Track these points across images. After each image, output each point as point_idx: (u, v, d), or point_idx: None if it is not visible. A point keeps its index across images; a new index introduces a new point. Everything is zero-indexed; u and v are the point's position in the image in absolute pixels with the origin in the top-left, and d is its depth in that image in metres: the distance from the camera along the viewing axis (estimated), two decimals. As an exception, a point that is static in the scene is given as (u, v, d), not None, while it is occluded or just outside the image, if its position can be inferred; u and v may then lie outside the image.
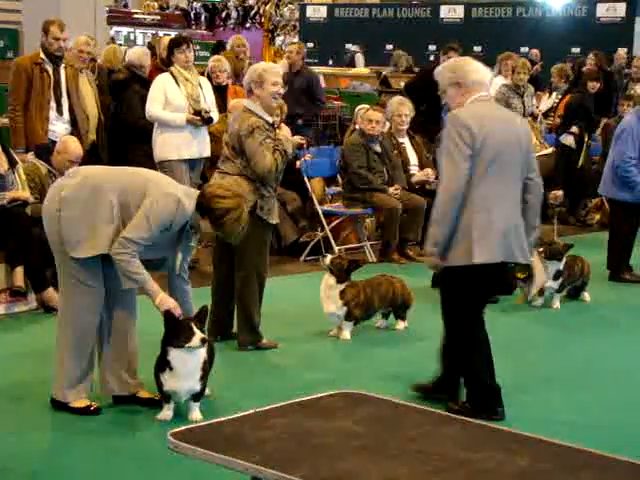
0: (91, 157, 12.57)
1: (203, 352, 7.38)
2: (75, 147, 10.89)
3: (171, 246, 7.52)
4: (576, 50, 22.20)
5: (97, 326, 7.57)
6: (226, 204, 7.58)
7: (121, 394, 7.74)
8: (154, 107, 12.30)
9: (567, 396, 8.56)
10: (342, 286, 9.85)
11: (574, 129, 16.19)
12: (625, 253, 12.70)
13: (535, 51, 22.38)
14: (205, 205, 7.51)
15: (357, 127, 13.62)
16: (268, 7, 36.51)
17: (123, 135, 13.78)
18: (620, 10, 26.07)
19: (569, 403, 8.41)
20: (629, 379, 9.36)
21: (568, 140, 16.07)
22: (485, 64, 16.66)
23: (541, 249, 11.16)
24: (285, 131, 10.01)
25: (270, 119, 9.35)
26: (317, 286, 10.05)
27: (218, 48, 17.14)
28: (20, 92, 12.40)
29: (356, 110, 13.94)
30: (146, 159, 12.54)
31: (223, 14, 36.50)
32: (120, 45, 21.77)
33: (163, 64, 14.04)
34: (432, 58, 17.87)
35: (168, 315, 7.28)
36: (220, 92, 12.94)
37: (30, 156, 11.21)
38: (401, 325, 10.34)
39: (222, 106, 12.91)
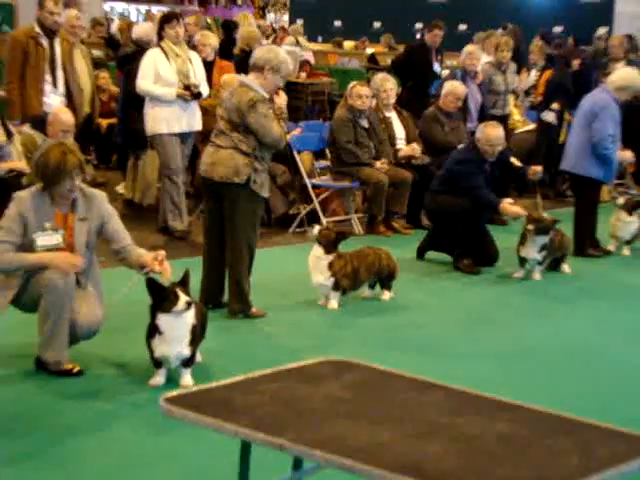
0: (86, 128, 12.65)
1: (191, 317, 7.41)
2: (66, 118, 10.94)
3: None
4: (559, 29, 22.14)
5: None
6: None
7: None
8: (145, 82, 12.31)
9: (547, 363, 8.59)
10: (330, 257, 9.85)
11: (555, 106, 16.19)
12: (591, 229, 12.71)
13: (556, 31, 22.41)
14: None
15: (350, 104, 13.60)
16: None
17: (129, 103, 13.72)
18: (603, -9, 26.08)
19: (549, 369, 8.44)
20: (606, 347, 9.41)
21: (549, 117, 16.07)
22: (470, 42, 16.80)
23: (530, 226, 11.20)
24: (282, 97, 10.01)
25: (267, 95, 9.36)
26: (305, 257, 10.06)
27: (229, 27, 17.02)
28: (16, 65, 12.38)
29: (348, 88, 13.93)
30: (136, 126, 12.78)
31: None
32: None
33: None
34: (418, 36, 17.85)
35: (151, 282, 7.33)
36: (206, 67, 12.83)
37: (26, 128, 11.21)
38: (387, 295, 10.33)
39: (208, 81, 12.85)
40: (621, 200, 12.89)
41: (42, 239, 7.67)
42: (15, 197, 7.80)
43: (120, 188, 14.27)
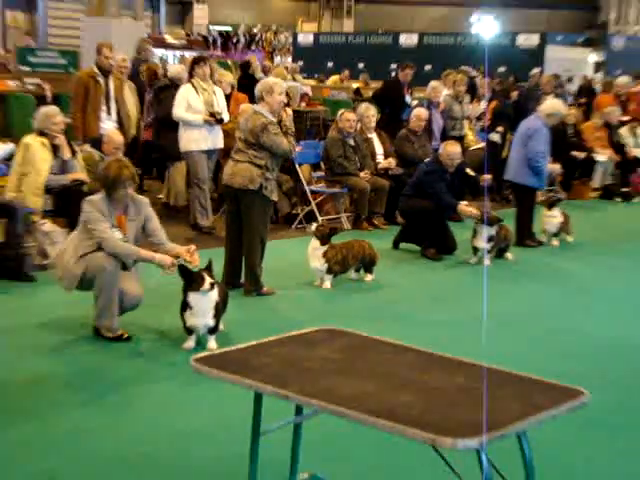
0: (132, 145, 12.71)
1: (215, 295, 7.51)
2: (118, 138, 10.95)
3: None
4: (502, 69, 22.21)
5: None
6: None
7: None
8: (179, 110, 12.31)
9: (494, 328, 8.58)
10: (324, 248, 9.85)
11: (499, 129, 16.30)
12: (529, 225, 12.78)
13: (501, 71, 22.43)
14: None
15: (339, 126, 13.62)
16: (268, 34, 36.54)
17: (160, 124, 13.77)
18: (535, 39, 26.22)
19: (495, 334, 8.44)
20: (539, 316, 9.42)
21: (495, 137, 16.15)
22: (434, 79, 16.82)
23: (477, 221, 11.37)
24: (288, 113, 10.13)
25: (275, 119, 9.38)
26: (305, 248, 10.07)
27: (246, 66, 17.06)
28: (79, 98, 12.54)
29: (338, 114, 13.97)
30: (174, 142, 12.66)
31: (234, 39, 36.46)
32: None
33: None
34: (393, 74, 17.94)
35: (182, 268, 7.47)
36: (225, 98, 12.91)
37: (86, 147, 11.22)
38: (369, 277, 10.34)
39: (227, 110, 12.91)
40: (542, 198, 13.01)
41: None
42: (89, 201, 7.86)
43: (161, 194, 14.26)
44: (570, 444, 5.80)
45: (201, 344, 7.54)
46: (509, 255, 11.93)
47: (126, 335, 7.80)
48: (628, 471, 5.81)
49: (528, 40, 26.44)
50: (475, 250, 11.52)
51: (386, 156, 14.20)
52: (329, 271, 9.95)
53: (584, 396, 3.61)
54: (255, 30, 39.51)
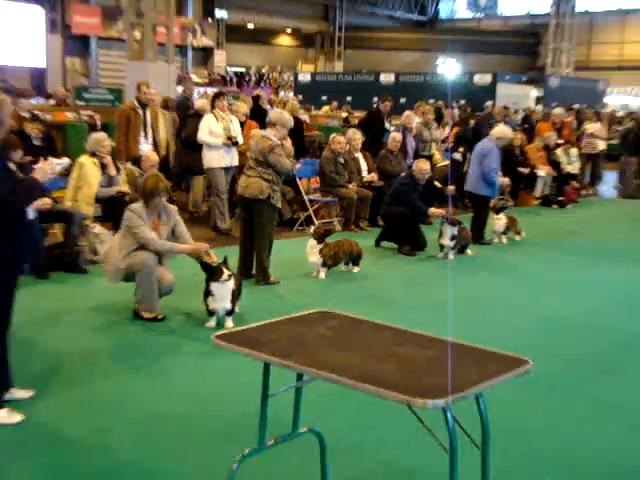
0: (164, 164, 12.75)
1: (231, 284, 7.55)
2: (153, 157, 11.05)
3: None
4: (462, 102, 22.24)
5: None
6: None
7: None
8: (203, 135, 12.38)
9: (458, 309, 8.55)
10: (320, 245, 9.85)
11: (461, 149, 16.38)
12: (482, 227, 12.82)
13: (462, 103, 22.45)
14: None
15: (332, 147, 13.63)
16: (274, 74, 36.65)
17: (184, 145, 13.82)
18: (488, 78, 26.32)
19: (458, 314, 8.40)
20: (493, 298, 9.43)
21: (457, 156, 16.21)
22: (408, 109, 16.78)
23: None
24: (289, 142, 10.23)
25: (279, 142, 9.42)
26: (304, 246, 10.04)
27: (257, 99, 17.04)
28: (122, 126, 12.59)
29: (331, 137, 13.97)
30: (198, 160, 12.75)
31: (247, 78, 36.53)
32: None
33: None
34: (374, 105, 17.94)
35: (203, 263, 7.64)
36: (240, 125, 12.89)
37: (128, 164, 11.23)
38: (356, 269, 10.31)
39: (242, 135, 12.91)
40: (497, 206, 13.06)
41: None
42: (131, 208, 7.93)
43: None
44: (517, 403, 5.79)
45: (220, 324, 7.56)
46: (469, 251, 11.94)
47: (161, 316, 7.80)
48: (561, 426, 5.81)
49: (483, 79, 26.49)
50: (441, 247, 11.52)
51: (369, 171, 14.20)
52: (324, 264, 9.94)
53: (529, 365, 3.60)
54: (263, 70, 39.61)
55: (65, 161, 6.29)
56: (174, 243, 7.87)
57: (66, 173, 9.95)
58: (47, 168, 5.24)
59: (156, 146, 12.74)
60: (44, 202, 7.56)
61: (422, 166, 12.06)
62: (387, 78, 27.33)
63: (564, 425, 5.82)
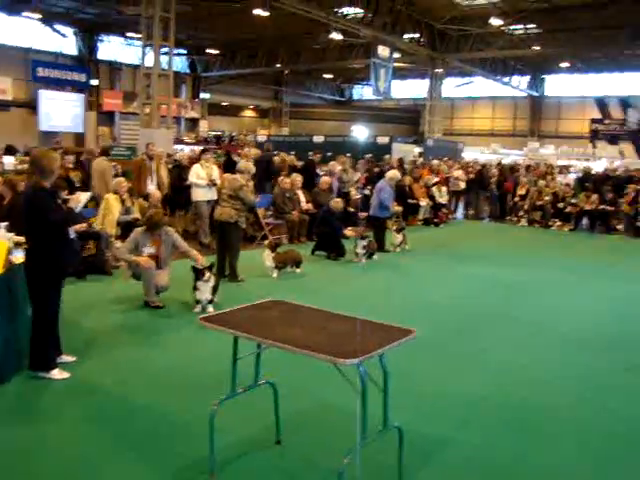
0: (165, 199, 12.55)
1: (212, 281, 7.49)
2: (157, 194, 11.16)
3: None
4: (369, 155, 22.27)
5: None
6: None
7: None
8: (192, 177, 12.25)
9: (367, 298, 8.56)
10: (273, 254, 9.80)
11: (369, 187, 16.35)
12: (382, 240, 12.81)
13: (368, 156, 22.50)
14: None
15: (281, 186, 13.58)
16: (241, 136, 36.35)
17: (176, 186, 13.55)
18: (386, 139, 26.45)
19: (368, 301, 8.43)
20: (392, 290, 9.43)
21: (366, 192, 16.20)
22: (332, 160, 16.66)
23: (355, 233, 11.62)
24: (251, 184, 10.21)
25: (245, 183, 9.37)
26: (262, 255, 10.00)
27: (229, 155, 16.89)
28: (136, 172, 12.43)
29: (280, 179, 13.90)
30: (188, 197, 12.58)
31: (222, 139, 36.28)
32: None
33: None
34: (310, 157, 17.93)
35: (193, 267, 7.55)
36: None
37: (140, 199, 11.07)
38: (298, 270, 10.20)
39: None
40: (393, 226, 13.12)
41: (146, 250, 7.78)
42: (135, 230, 7.91)
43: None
44: (406, 360, 5.81)
45: (204, 309, 7.44)
46: (375, 257, 11.87)
47: (162, 305, 7.68)
48: (435, 371, 5.83)
49: (383, 140, 26.58)
50: (356, 254, 11.49)
51: (307, 202, 14.13)
52: (276, 267, 9.84)
53: (414, 333, 3.60)
54: (234, 134, 39.33)
55: (89, 194, 6.39)
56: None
57: (90, 204, 9.88)
58: (75, 200, 5.56)
59: (159, 187, 12.57)
60: (81, 226, 7.48)
61: (334, 205, 12.28)
62: (318, 139, 27.30)
63: (437, 371, 5.90)
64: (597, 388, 5.64)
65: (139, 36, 23.01)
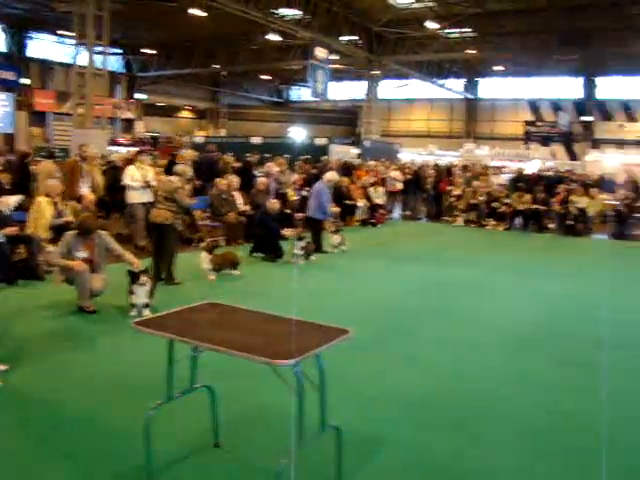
0: (100, 202, 12.33)
1: (148, 285, 7.38)
2: (90, 197, 11.01)
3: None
4: (307, 156, 22.33)
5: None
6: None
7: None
8: (127, 179, 12.03)
9: (305, 298, 8.57)
10: (210, 255, 9.76)
11: (307, 188, 16.40)
12: (320, 241, 12.88)
13: (304, 157, 22.52)
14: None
15: (219, 188, 13.53)
16: (178, 137, 35.85)
17: (113, 189, 13.27)
18: (324, 140, 26.66)
19: (306, 301, 8.42)
20: (331, 289, 9.50)
21: (304, 193, 16.29)
22: (269, 161, 16.58)
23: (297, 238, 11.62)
24: (188, 187, 10.19)
25: (181, 185, 9.34)
26: (199, 257, 9.93)
27: (174, 156, 16.75)
28: (69, 174, 12.05)
29: (216, 181, 13.82)
30: (123, 199, 12.31)
31: (159, 140, 35.80)
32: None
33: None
34: (247, 158, 17.92)
35: (129, 271, 7.40)
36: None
37: (73, 202, 10.88)
38: (236, 272, 10.14)
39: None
40: (330, 227, 13.25)
41: (79, 254, 7.61)
42: (65, 235, 7.73)
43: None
44: (348, 361, 5.85)
45: (140, 313, 7.32)
46: (313, 258, 11.92)
47: (96, 309, 7.54)
48: (371, 371, 5.89)
49: (320, 141, 26.76)
50: (294, 255, 11.47)
51: (244, 204, 14.09)
52: (213, 269, 9.80)
53: (350, 333, 3.63)
54: (171, 135, 38.88)
55: (19, 197, 6.29)
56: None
57: (20, 207, 9.65)
58: (4, 203, 5.43)
59: (94, 189, 12.30)
60: (12, 230, 7.32)
61: (271, 206, 12.26)
62: (256, 140, 27.26)
63: (376, 371, 5.95)
64: (533, 384, 5.79)
65: (72, 34, 22.53)
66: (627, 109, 39.58)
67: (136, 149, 19.59)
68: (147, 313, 7.24)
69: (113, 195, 13.13)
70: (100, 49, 21.13)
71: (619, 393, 5.51)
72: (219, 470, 4.04)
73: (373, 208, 18.58)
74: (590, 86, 40.12)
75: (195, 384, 4.11)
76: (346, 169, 20.25)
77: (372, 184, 19.24)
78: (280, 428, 4.20)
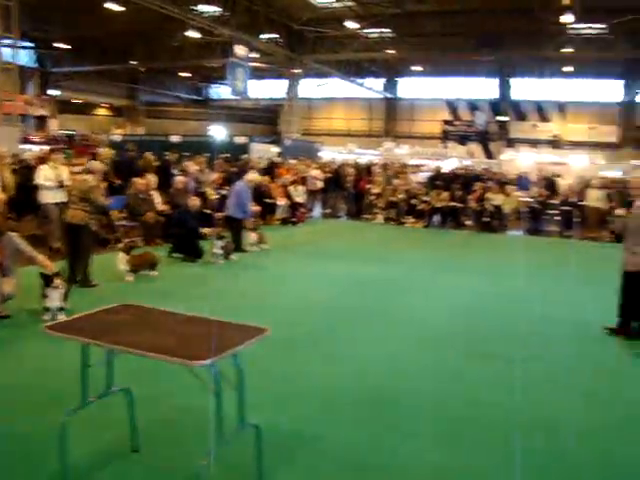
0: (11, 202, 11.90)
1: (62, 288, 7.20)
2: (1, 197, 10.26)
3: None
4: (226, 155, 22.11)
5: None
6: None
7: None
8: (39, 180, 11.68)
9: (225, 298, 8.51)
10: (128, 256, 9.61)
11: (226, 187, 16.19)
12: (239, 240, 12.80)
13: (224, 156, 22.31)
14: None
15: (136, 187, 13.30)
16: (94, 135, 34.89)
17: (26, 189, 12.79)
18: (244, 139, 26.51)
19: (226, 301, 8.39)
20: (253, 288, 9.47)
21: (223, 192, 16.00)
22: (189, 160, 16.34)
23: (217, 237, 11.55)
24: (103, 186, 9.97)
25: (96, 184, 9.19)
26: (115, 258, 9.77)
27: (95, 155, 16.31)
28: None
29: (133, 181, 13.56)
30: (35, 200, 11.94)
31: (75, 139, 34.75)
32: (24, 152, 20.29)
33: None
34: (166, 157, 17.61)
35: (41, 273, 7.23)
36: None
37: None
38: (153, 273, 9.99)
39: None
40: (250, 225, 13.30)
41: None
42: None
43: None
44: (267, 360, 5.87)
45: (54, 318, 7.06)
46: (233, 257, 11.86)
47: (6, 313, 7.29)
48: (293, 371, 5.93)
49: (240, 140, 26.58)
50: (214, 255, 11.41)
51: (163, 203, 13.86)
52: (131, 271, 9.63)
53: (267, 332, 3.65)
54: (87, 133, 37.84)
55: None
56: None
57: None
58: None
59: (4, 189, 11.82)
60: None
61: (191, 202, 12.26)
62: (176, 138, 26.81)
63: (296, 369, 5.98)
64: (450, 378, 5.97)
65: (-22, 26, 21.62)
66: (540, 110, 41.08)
67: (50, 147, 19.01)
68: (62, 317, 7.02)
69: (25, 195, 12.69)
70: (9, 42, 20.38)
71: (533, 383, 5.74)
72: (137, 475, 3.99)
73: (294, 207, 18.64)
74: (505, 87, 41.42)
75: (112, 387, 4.05)
76: (268, 168, 20.20)
77: (292, 182, 19.29)
78: (201, 429, 4.16)
